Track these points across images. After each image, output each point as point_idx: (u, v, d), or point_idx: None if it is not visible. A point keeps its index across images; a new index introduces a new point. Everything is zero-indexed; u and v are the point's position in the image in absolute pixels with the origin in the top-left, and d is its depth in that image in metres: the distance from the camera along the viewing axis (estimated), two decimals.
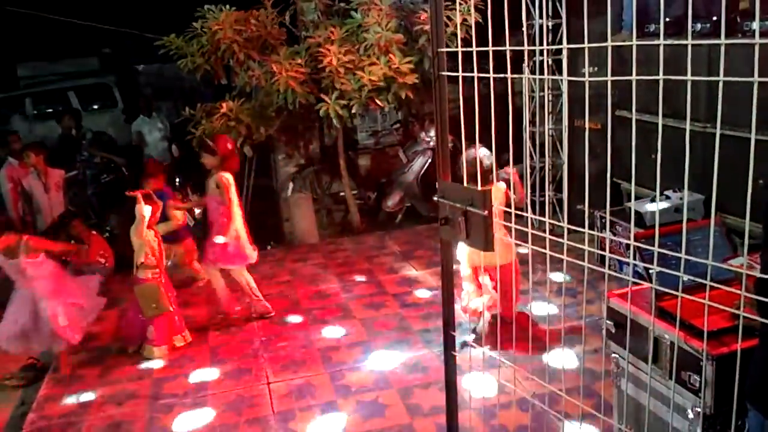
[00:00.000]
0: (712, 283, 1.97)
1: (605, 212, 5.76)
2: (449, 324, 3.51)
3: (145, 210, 5.26)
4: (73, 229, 6.40)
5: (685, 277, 2.26)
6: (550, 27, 7.06)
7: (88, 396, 4.92)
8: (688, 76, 1.97)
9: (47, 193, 6.90)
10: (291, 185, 8.33)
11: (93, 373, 5.24)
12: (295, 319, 5.95)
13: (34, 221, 6.90)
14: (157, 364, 5.28)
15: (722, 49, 1.77)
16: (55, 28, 10.47)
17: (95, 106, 14.02)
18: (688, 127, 2.14)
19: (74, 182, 8.71)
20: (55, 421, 4.63)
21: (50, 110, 13.51)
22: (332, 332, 5.61)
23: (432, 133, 8.26)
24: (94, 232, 6.69)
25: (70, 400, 4.87)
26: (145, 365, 5.29)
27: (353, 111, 6.70)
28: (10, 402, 5.22)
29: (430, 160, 8.32)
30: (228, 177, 5.59)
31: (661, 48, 2.04)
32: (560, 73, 6.99)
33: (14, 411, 5.07)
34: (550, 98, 7.36)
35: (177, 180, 8.17)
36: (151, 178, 6.26)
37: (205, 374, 5.09)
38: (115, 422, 4.56)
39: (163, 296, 5.39)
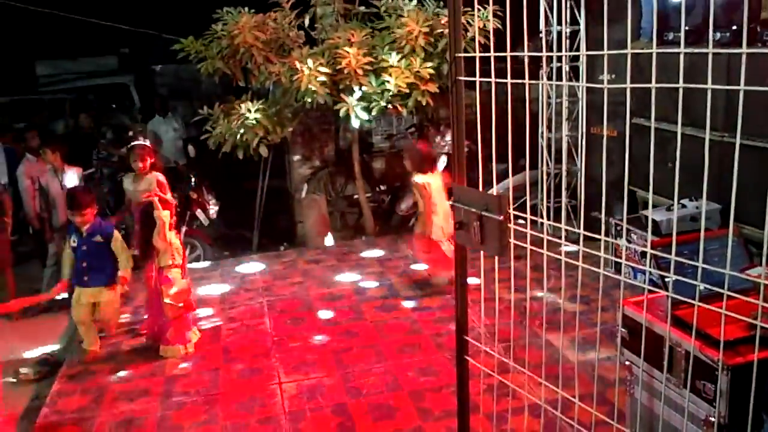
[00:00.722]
0: (730, 293, 1.97)
1: (620, 220, 5.74)
2: (462, 328, 3.52)
3: (164, 214, 5.30)
4: None
5: (701, 286, 2.26)
6: (568, 33, 7.05)
7: (100, 392, 4.96)
8: (709, 85, 1.97)
9: (63, 190, 6.95)
10: (305, 187, 8.37)
11: (106, 369, 5.28)
12: (306, 319, 5.96)
13: (50, 218, 6.95)
14: (169, 362, 5.31)
15: (743, 57, 1.77)
16: (75, 27, 10.57)
17: (113, 106, 14.15)
18: (707, 136, 2.14)
19: (91, 180, 8.78)
20: (68, 416, 4.67)
21: (68, 109, 13.64)
22: (344, 334, 5.62)
23: (447, 137, 8.27)
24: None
25: (83, 396, 4.91)
26: (158, 363, 5.32)
27: (373, 113, 6.71)
28: (24, 396, 5.28)
29: (445, 165, 8.32)
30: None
31: (682, 56, 2.04)
32: (577, 80, 6.98)
33: (28, 405, 5.13)
34: (567, 105, 7.35)
35: (193, 179, 8.22)
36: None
37: (217, 373, 5.11)
38: (127, 418, 4.59)
39: (188, 297, 5.46)
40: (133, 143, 6.28)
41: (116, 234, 5.48)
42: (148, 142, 6.38)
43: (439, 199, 6.07)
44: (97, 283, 5.43)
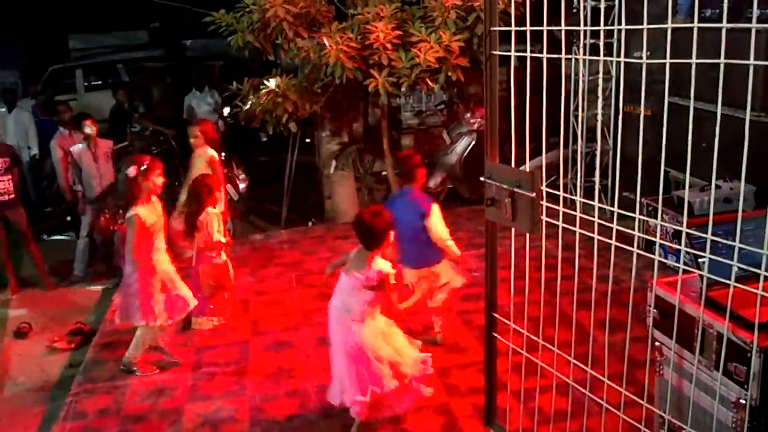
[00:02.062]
0: (767, 273, 1.94)
1: (653, 200, 5.67)
2: (491, 305, 3.52)
3: (212, 213, 5.28)
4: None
5: (735, 267, 2.22)
6: (603, 9, 6.92)
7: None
8: (751, 60, 1.93)
9: (96, 162, 7.03)
10: (334, 163, 8.37)
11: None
12: None
13: (83, 190, 7.04)
14: (199, 333, 5.38)
15: None
16: (106, 1, 10.62)
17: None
18: (748, 116, 2.10)
19: (125, 153, 8.88)
20: (101, 384, 4.78)
21: (99, 82, 13.76)
22: None
23: (477, 115, 8.20)
24: None
25: (116, 365, 5.00)
26: (188, 334, 5.40)
27: (402, 89, 6.66)
28: (58, 364, 5.41)
29: (474, 142, 8.27)
30: None
31: (724, 32, 2.00)
32: (610, 56, 6.85)
33: (62, 373, 5.25)
34: (600, 82, 7.24)
35: (223, 154, 8.27)
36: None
37: (246, 345, 5.18)
38: (158, 388, 4.68)
39: (227, 274, 5.49)
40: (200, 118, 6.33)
41: None
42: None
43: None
44: None
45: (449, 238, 4.73)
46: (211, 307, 5.42)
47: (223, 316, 5.52)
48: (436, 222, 4.64)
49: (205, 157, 6.21)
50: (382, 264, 3.72)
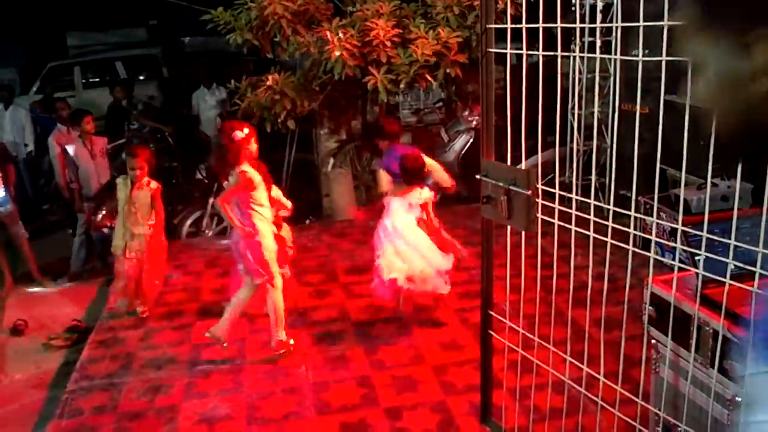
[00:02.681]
0: (762, 271, 1.94)
1: (649, 198, 5.66)
2: (487, 303, 3.52)
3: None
4: None
5: (731, 265, 2.22)
6: (601, 7, 6.91)
7: (128, 359, 5.06)
8: None
9: (93, 159, 7.02)
10: (332, 160, 8.36)
11: (134, 337, 5.38)
12: (332, 292, 6.00)
13: (81, 187, 7.04)
14: (196, 330, 5.37)
15: None
16: None
17: (141, 77, 14.23)
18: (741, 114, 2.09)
19: (122, 150, 8.88)
20: (97, 382, 4.77)
21: (97, 79, 13.75)
22: (368, 307, 5.65)
23: (475, 113, 8.20)
24: None
25: (112, 362, 5.01)
26: (185, 331, 5.39)
27: (401, 86, 6.66)
28: (54, 362, 5.41)
29: (471, 140, 8.27)
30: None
31: None
32: (608, 55, 6.86)
33: (59, 370, 5.25)
34: (598, 80, 7.23)
35: None
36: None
37: (243, 343, 5.18)
38: (154, 385, 4.67)
39: None
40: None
41: None
42: None
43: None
44: None
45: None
46: None
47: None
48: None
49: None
50: (425, 193, 5.10)
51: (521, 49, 2.78)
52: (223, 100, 10.07)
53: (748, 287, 1.97)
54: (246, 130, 4.82)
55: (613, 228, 2.62)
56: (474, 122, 8.25)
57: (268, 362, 4.87)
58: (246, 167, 4.80)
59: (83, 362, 5.07)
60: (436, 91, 8.95)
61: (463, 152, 8.37)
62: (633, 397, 2.61)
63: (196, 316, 5.64)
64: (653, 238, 2.38)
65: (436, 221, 5.25)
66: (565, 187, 7.31)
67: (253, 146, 4.90)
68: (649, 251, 2.65)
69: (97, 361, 5.07)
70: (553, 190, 2.83)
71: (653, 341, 3.14)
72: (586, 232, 2.62)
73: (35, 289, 6.97)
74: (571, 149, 7.40)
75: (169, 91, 13.07)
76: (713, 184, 5.37)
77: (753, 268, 1.93)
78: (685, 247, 2.44)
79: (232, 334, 5.28)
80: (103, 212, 6.86)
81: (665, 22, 2.16)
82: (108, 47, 15.13)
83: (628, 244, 2.60)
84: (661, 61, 2.32)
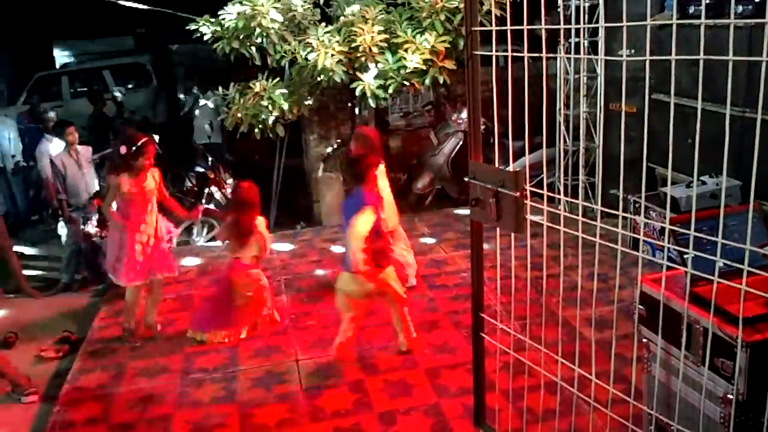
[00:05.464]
0: (750, 269, 1.94)
1: (639, 197, 5.68)
2: (478, 306, 3.51)
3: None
4: None
5: (720, 263, 2.22)
6: (587, 8, 6.94)
7: (120, 369, 5.02)
8: (730, 56, 1.92)
9: (80, 169, 6.99)
10: (322, 166, 8.35)
11: (125, 347, 5.34)
12: (324, 297, 5.98)
13: (67, 198, 6.99)
14: (187, 339, 5.34)
15: (767, 29, 1.73)
16: (91, 7, 10.57)
17: (130, 86, 14.18)
18: (728, 111, 2.10)
19: (108, 159, 8.85)
20: (89, 393, 4.74)
21: (85, 89, 13.70)
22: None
23: (464, 114, 8.20)
24: None
25: (104, 373, 4.97)
26: (176, 340, 5.36)
27: (390, 91, 6.66)
28: (46, 373, 5.36)
29: (461, 143, 8.27)
30: None
31: (702, 27, 2.00)
32: (596, 55, 6.88)
33: (50, 382, 5.21)
34: (585, 81, 7.26)
35: (210, 159, 8.24)
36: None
37: (235, 350, 5.15)
38: (147, 395, 4.65)
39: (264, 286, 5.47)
40: None
41: None
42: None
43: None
44: None
45: (360, 244, 4.34)
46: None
47: (238, 333, 5.32)
48: (361, 221, 4.34)
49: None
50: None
51: (506, 51, 2.78)
52: (218, 107, 10.07)
53: (736, 285, 1.96)
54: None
55: (602, 228, 2.61)
56: (463, 125, 8.26)
57: (261, 369, 4.85)
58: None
59: (74, 373, 5.03)
60: (425, 95, 8.96)
61: (452, 155, 8.37)
62: (625, 397, 2.60)
63: (188, 325, 5.60)
64: (641, 237, 2.38)
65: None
66: (555, 187, 7.33)
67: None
68: (642, 250, 2.65)
69: (89, 372, 5.03)
70: (540, 192, 2.82)
71: (644, 340, 3.14)
72: (575, 233, 2.61)
73: (24, 301, 6.92)
74: (560, 150, 7.41)
75: (157, 98, 13.06)
76: (702, 182, 5.40)
77: (740, 266, 1.93)
78: (672, 246, 2.44)
79: (224, 342, 5.27)
80: (93, 222, 6.83)
81: (648, 22, 2.16)
82: (96, 56, 15.08)
83: (617, 243, 2.59)
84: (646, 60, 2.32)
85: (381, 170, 5.17)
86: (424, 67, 6.52)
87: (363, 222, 4.34)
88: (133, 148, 5.08)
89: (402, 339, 4.90)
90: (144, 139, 5.17)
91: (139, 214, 5.24)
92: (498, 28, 2.68)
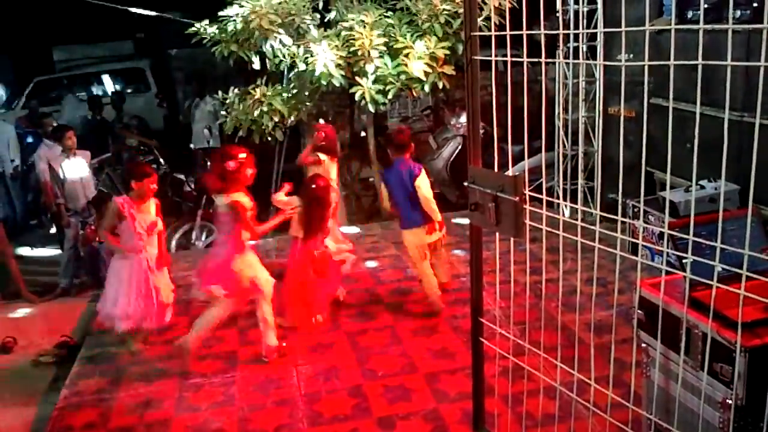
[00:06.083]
0: (749, 274, 1.94)
1: (638, 201, 5.69)
2: (477, 310, 3.51)
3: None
4: None
5: (719, 267, 2.23)
6: (585, 12, 6.95)
7: (118, 374, 5.01)
8: (728, 61, 1.93)
9: (79, 174, 6.98)
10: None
11: (123, 352, 5.33)
12: None
13: (66, 203, 6.98)
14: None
15: (765, 33, 1.73)
16: (91, 12, 10.60)
17: (129, 90, 14.20)
18: (726, 115, 2.10)
19: (107, 164, 8.85)
20: (88, 398, 4.73)
21: (84, 93, 13.71)
22: (360, 316, 5.64)
23: (462, 119, 8.22)
24: None
25: (102, 378, 4.96)
26: (175, 345, 5.34)
27: (389, 96, 6.66)
28: (44, 378, 5.35)
29: (460, 147, 8.29)
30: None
31: (701, 33, 2.00)
32: (594, 60, 6.89)
33: (48, 387, 5.20)
34: (584, 85, 7.27)
35: (208, 163, 8.24)
36: None
37: (234, 355, 5.15)
38: (145, 400, 4.64)
39: None
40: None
41: None
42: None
43: None
44: None
45: (433, 200, 5.41)
46: None
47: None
48: (425, 184, 5.33)
49: None
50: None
51: (505, 55, 2.79)
52: (217, 111, 10.08)
53: (735, 290, 1.97)
54: (243, 156, 4.73)
55: (601, 232, 2.62)
56: (462, 129, 8.28)
57: (260, 374, 4.84)
58: (238, 196, 4.72)
59: (73, 378, 5.02)
60: (424, 99, 8.98)
61: (451, 159, 8.38)
62: (624, 402, 2.60)
63: (187, 330, 5.58)
64: (640, 242, 2.38)
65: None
66: (554, 192, 7.34)
67: (249, 172, 4.81)
68: (642, 254, 2.65)
69: (87, 376, 5.02)
70: (539, 196, 2.83)
71: (643, 345, 3.14)
72: (574, 238, 2.61)
73: (23, 305, 6.91)
74: (559, 154, 7.42)
75: (156, 103, 13.07)
76: (700, 186, 5.40)
77: (739, 271, 1.93)
78: (671, 251, 2.44)
79: (224, 347, 5.26)
80: (92, 226, 6.83)
81: (646, 27, 2.17)
82: (95, 61, 15.10)
83: (616, 248, 2.60)
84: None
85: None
86: (424, 78, 6.52)
87: (426, 184, 5.36)
88: (237, 161, 4.73)
89: (441, 274, 5.74)
90: (243, 152, 4.82)
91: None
92: (497, 33, 2.69)
